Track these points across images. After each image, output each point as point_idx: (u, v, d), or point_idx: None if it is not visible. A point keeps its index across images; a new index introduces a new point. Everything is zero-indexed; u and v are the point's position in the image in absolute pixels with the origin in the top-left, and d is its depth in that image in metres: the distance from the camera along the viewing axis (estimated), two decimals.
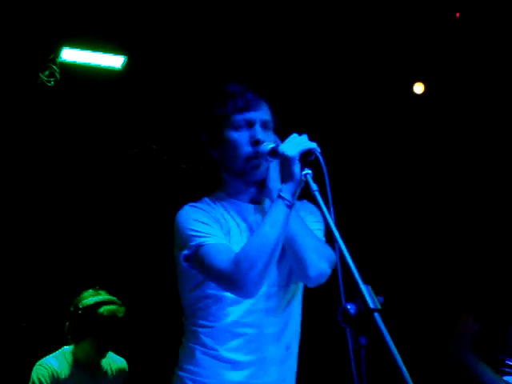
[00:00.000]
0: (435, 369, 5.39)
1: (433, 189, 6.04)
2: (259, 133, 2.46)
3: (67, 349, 4.16)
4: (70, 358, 4.12)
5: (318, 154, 2.19)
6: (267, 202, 2.52)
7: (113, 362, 4.24)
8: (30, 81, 4.94)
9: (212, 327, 2.42)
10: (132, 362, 4.29)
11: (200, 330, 2.45)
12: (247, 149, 2.45)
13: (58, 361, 4.09)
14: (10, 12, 4.69)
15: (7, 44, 4.81)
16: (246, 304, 2.40)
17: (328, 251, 2.42)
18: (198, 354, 2.44)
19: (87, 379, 4.13)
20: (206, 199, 2.57)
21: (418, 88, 5.81)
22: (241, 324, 2.41)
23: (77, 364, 4.11)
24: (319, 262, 2.39)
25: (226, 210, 2.51)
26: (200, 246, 2.36)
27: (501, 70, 5.45)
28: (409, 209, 6.07)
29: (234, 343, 2.41)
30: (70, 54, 5.02)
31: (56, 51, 4.93)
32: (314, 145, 2.24)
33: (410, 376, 1.71)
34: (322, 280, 2.44)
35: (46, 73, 4.92)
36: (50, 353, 4.15)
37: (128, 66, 5.18)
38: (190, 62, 5.24)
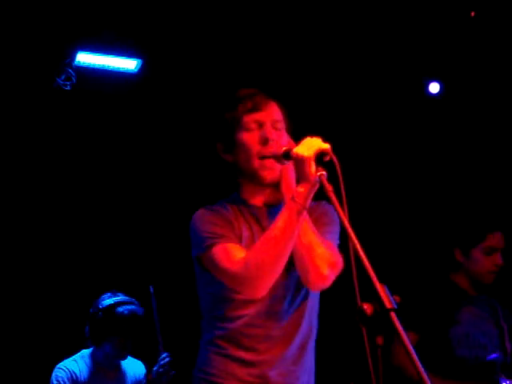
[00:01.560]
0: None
1: (448, 189, 6.02)
2: (269, 132, 2.47)
3: (86, 352, 4.18)
4: (89, 360, 4.14)
5: (332, 155, 2.20)
6: (282, 204, 2.52)
7: (132, 365, 4.26)
8: (47, 85, 4.96)
9: (224, 328, 2.47)
10: (150, 363, 4.30)
11: (214, 330, 2.50)
12: (258, 148, 2.47)
13: (78, 364, 4.12)
14: (25, 16, 4.72)
15: (23, 48, 4.84)
16: (258, 306, 2.43)
17: (332, 257, 2.43)
18: (211, 355, 2.50)
19: (106, 382, 4.15)
20: (221, 202, 2.61)
21: (434, 88, 5.79)
22: (252, 325, 2.45)
23: (96, 367, 4.13)
24: (321, 267, 2.39)
25: (239, 212, 2.55)
26: (212, 246, 2.42)
27: None
28: (423, 209, 6.05)
29: (245, 344, 2.45)
30: (86, 58, 5.04)
31: (72, 55, 4.95)
32: (328, 146, 2.24)
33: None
34: (323, 286, 2.45)
35: (63, 77, 4.94)
36: (69, 356, 4.18)
37: (143, 69, 5.20)
38: (204, 65, 5.25)
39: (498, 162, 5.87)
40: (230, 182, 2.65)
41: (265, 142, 2.46)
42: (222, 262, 2.39)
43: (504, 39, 5.35)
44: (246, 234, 2.49)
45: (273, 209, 2.55)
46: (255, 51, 5.19)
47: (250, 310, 2.44)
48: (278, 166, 2.47)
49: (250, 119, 2.50)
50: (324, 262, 2.39)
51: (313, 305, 2.57)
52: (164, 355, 4.06)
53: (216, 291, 2.48)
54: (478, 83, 5.69)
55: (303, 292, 2.52)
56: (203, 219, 2.50)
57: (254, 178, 2.52)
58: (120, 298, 4.15)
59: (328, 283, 2.43)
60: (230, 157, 2.57)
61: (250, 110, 2.51)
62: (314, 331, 2.58)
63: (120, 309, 4.09)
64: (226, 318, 2.47)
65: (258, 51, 5.19)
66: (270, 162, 2.46)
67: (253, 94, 2.55)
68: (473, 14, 5.25)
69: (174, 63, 5.29)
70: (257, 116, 2.50)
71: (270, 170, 2.47)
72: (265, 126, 2.49)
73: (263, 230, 2.48)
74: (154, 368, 4.07)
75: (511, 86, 5.60)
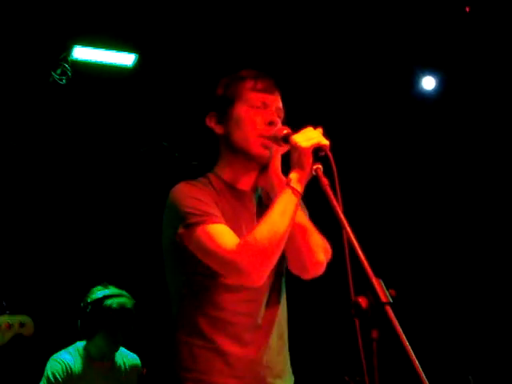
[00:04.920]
0: (447, 361, 5.41)
1: (442, 184, 6.04)
2: (274, 115, 2.44)
3: (80, 344, 4.19)
4: (83, 352, 4.15)
5: (328, 152, 2.18)
6: (259, 191, 2.51)
7: (126, 357, 4.27)
8: (43, 79, 4.96)
9: (210, 316, 2.35)
10: (144, 358, 4.31)
11: (197, 319, 2.35)
12: (261, 128, 2.40)
13: (72, 355, 4.12)
14: (22, 11, 4.72)
15: (20, 43, 4.84)
16: (244, 293, 2.35)
17: (325, 243, 2.42)
18: (196, 349, 2.35)
19: (100, 374, 4.15)
20: (201, 180, 2.48)
21: (428, 83, 5.80)
22: (238, 313, 2.36)
23: (90, 359, 4.14)
24: (317, 254, 2.38)
25: (219, 193, 2.43)
26: (198, 224, 2.26)
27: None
28: (417, 205, 6.08)
29: (231, 333, 2.34)
30: (82, 53, 5.04)
31: (68, 49, 4.95)
32: (327, 143, 2.22)
33: (423, 369, 1.73)
34: (319, 272, 2.42)
35: (58, 71, 4.94)
36: (64, 348, 4.19)
37: (139, 64, 5.20)
38: (200, 60, 5.26)
39: (496, 159, 5.89)
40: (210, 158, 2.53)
41: (270, 123, 2.41)
42: (213, 245, 2.23)
43: (500, 34, 5.35)
44: (228, 216, 2.35)
45: (252, 193, 2.50)
46: (250, 47, 5.19)
47: (236, 297, 2.35)
48: (272, 148, 2.41)
49: (257, 97, 2.44)
50: (319, 249, 2.39)
51: (285, 293, 2.52)
52: None
53: (199, 274, 2.33)
54: (474, 79, 5.70)
55: (282, 279, 2.49)
56: (186, 193, 2.34)
57: (246, 156, 2.43)
58: (109, 290, 4.16)
59: (322, 270, 2.41)
60: (221, 128, 2.47)
61: (260, 89, 2.45)
62: (287, 320, 2.53)
63: (108, 301, 4.09)
64: (212, 304, 2.34)
65: (253, 47, 5.20)
66: (266, 142, 2.40)
67: (264, 76, 2.51)
68: (468, 9, 5.26)
69: (170, 58, 5.30)
70: (264, 97, 2.45)
71: (265, 150, 2.41)
72: (270, 109, 2.45)
73: (240, 213, 2.42)
74: None
75: (508, 83, 5.61)
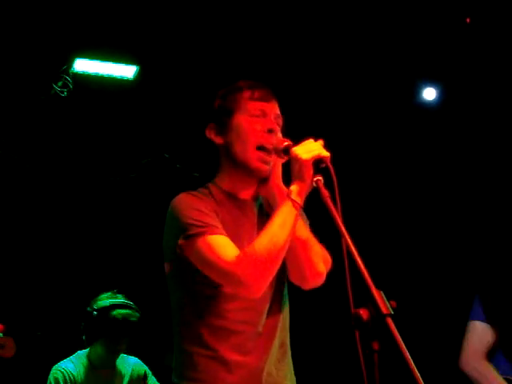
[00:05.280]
0: (448, 373, 5.38)
1: (442, 194, 6.04)
2: (273, 123, 2.45)
3: (82, 352, 4.20)
4: (85, 361, 4.16)
5: (329, 164, 2.18)
6: (260, 199, 2.51)
7: (128, 362, 4.27)
8: (44, 91, 4.98)
9: (211, 325, 2.35)
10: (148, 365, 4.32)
11: (198, 328, 2.36)
12: (260, 137, 2.41)
13: (74, 364, 4.13)
14: (23, 24, 4.73)
15: (21, 55, 4.86)
16: (244, 302, 2.35)
17: (326, 254, 2.43)
18: (197, 358, 2.35)
19: (103, 381, 4.16)
20: (201, 190, 2.49)
21: (429, 94, 5.83)
22: (238, 321, 2.36)
23: (92, 367, 4.15)
24: (317, 264, 2.39)
25: (219, 203, 2.44)
26: (199, 235, 2.27)
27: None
28: (419, 215, 6.07)
29: (232, 341, 2.35)
30: (83, 65, 5.06)
31: (69, 62, 4.97)
32: (328, 154, 2.22)
33: (424, 381, 1.72)
34: (318, 283, 2.43)
35: (60, 83, 4.96)
36: (67, 357, 4.19)
37: (140, 76, 5.22)
38: (200, 72, 5.27)
39: (496, 168, 5.89)
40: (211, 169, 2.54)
41: (270, 131, 2.42)
42: (213, 256, 2.25)
43: (500, 45, 5.37)
44: (228, 227, 2.36)
45: (251, 203, 2.50)
46: (251, 58, 5.20)
47: (237, 306, 2.35)
48: (272, 160, 2.42)
49: (255, 106, 2.46)
50: (320, 260, 2.40)
51: (287, 302, 2.53)
52: None
53: (199, 284, 2.34)
54: (474, 89, 5.71)
55: (284, 288, 2.50)
56: (187, 204, 2.36)
57: (245, 167, 2.43)
58: (117, 300, 4.17)
59: (322, 280, 2.42)
60: (220, 139, 2.48)
61: (257, 98, 2.47)
62: (289, 329, 2.54)
63: (114, 312, 4.10)
64: (213, 313, 2.35)
65: (255, 58, 5.21)
66: (265, 155, 2.41)
67: (261, 85, 2.53)
68: (468, 20, 5.27)
69: (170, 70, 5.31)
70: (263, 106, 2.46)
71: (264, 163, 2.41)
72: (269, 117, 2.46)
73: (239, 223, 2.43)
74: None
75: (508, 94, 5.62)
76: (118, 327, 4.08)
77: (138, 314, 4.17)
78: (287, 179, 2.35)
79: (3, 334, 3.27)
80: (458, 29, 5.32)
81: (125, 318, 4.10)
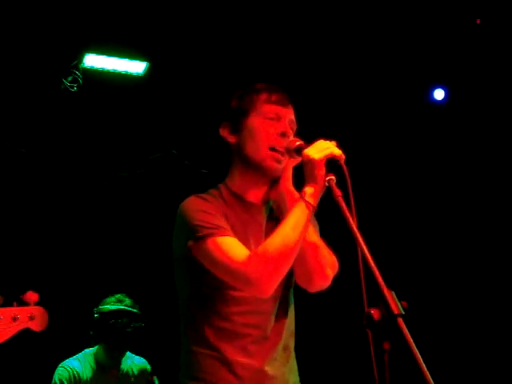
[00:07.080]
0: (458, 374, 5.38)
1: (455, 196, 6.03)
2: (287, 127, 2.45)
3: (89, 351, 4.22)
4: (91, 359, 4.18)
5: (342, 162, 2.18)
6: (271, 203, 2.51)
7: (133, 361, 4.29)
8: (54, 86, 4.99)
9: (217, 327, 2.37)
10: (154, 366, 4.32)
11: (204, 330, 2.38)
12: (273, 139, 2.42)
13: (80, 362, 4.15)
14: (34, 19, 4.74)
15: (31, 50, 4.87)
16: (252, 305, 2.37)
17: (333, 258, 2.43)
18: (201, 358, 2.37)
19: (108, 380, 4.18)
20: (211, 192, 2.50)
21: (439, 94, 5.84)
22: (246, 325, 2.38)
23: (98, 366, 4.17)
24: (325, 268, 2.39)
25: (228, 206, 2.45)
26: (208, 237, 2.28)
27: None
28: (432, 215, 6.07)
29: (237, 344, 2.37)
30: (93, 60, 5.07)
31: (79, 57, 4.98)
32: (340, 152, 2.22)
33: (434, 381, 1.72)
34: (325, 286, 2.43)
35: (69, 78, 4.96)
36: (73, 355, 4.21)
37: (150, 72, 5.22)
38: (211, 68, 5.27)
39: (504, 168, 5.89)
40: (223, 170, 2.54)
41: (283, 134, 2.43)
42: (222, 257, 2.25)
43: (510, 46, 5.37)
44: (236, 229, 2.38)
45: (262, 206, 2.51)
46: (262, 54, 5.21)
47: (245, 309, 2.37)
48: (284, 160, 2.43)
49: (271, 109, 2.46)
50: (327, 264, 2.40)
51: (293, 305, 2.54)
52: None
53: (207, 286, 2.36)
54: (485, 90, 5.71)
55: (290, 291, 2.51)
56: (196, 207, 2.37)
57: (257, 168, 2.44)
58: (120, 306, 4.18)
59: (328, 284, 2.43)
60: (234, 138, 2.49)
61: (274, 102, 2.48)
62: (294, 332, 2.55)
63: (112, 320, 4.13)
64: (219, 315, 2.37)
65: (266, 55, 5.21)
66: (279, 155, 2.42)
67: (278, 89, 2.53)
68: (478, 21, 5.27)
69: (180, 66, 5.31)
70: (278, 109, 2.47)
71: (277, 163, 2.42)
72: (283, 121, 2.47)
73: (249, 226, 2.44)
74: None
75: None
76: (114, 336, 4.13)
77: (137, 324, 4.18)
78: (298, 184, 2.35)
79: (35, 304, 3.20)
80: (467, 31, 5.31)
81: (122, 328, 4.13)
